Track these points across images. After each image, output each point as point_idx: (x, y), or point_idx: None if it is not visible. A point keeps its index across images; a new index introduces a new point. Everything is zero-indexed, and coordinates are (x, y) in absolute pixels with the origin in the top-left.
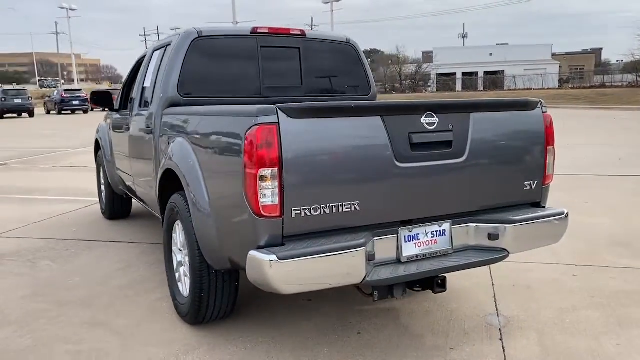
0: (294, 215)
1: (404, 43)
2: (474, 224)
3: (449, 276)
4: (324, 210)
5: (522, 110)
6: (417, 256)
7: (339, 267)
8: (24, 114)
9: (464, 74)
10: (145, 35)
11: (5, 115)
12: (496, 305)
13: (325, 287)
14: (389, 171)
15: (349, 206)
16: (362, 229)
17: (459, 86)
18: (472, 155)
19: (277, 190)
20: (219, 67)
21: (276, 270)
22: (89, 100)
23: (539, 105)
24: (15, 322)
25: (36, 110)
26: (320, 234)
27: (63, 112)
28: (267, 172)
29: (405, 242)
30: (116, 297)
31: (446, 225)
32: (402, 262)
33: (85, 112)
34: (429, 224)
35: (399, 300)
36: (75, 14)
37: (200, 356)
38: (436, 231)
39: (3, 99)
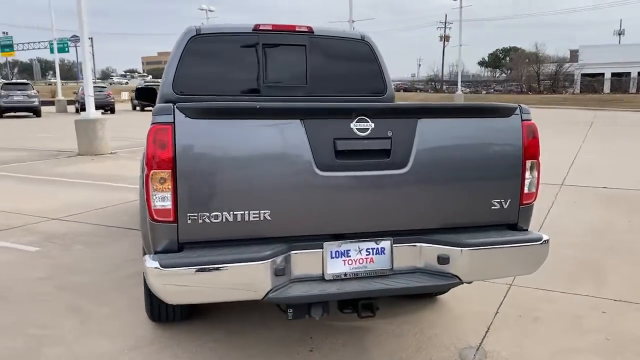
0: (189, 222)
1: (544, 41)
2: (423, 244)
3: (449, 297)
4: (227, 218)
5: (491, 117)
6: (345, 275)
7: (234, 280)
8: None
9: (613, 74)
10: None
11: (146, 108)
12: (483, 338)
13: (219, 300)
14: (308, 180)
15: (258, 215)
16: (277, 240)
17: (606, 87)
18: (417, 167)
19: (170, 194)
20: (217, 65)
21: (160, 279)
22: None
23: (518, 111)
24: (12, 302)
25: None
26: (226, 243)
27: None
28: (159, 174)
29: (332, 258)
30: (112, 286)
31: (385, 243)
32: (327, 280)
33: None
34: (364, 240)
35: (377, 319)
36: (214, 14)
37: (144, 353)
38: (373, 249)
39: None
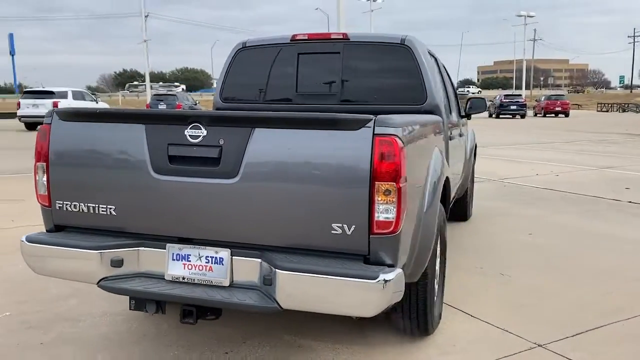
0: (57, 207)
1: None
2: (257, 260)
3: (449, 338)
4: (82, 209)
5: (333, 130)
6: (184, 278)
7: (69, 263)
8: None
9: None
10: (634, 36)
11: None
12: None
13: (65, 278)
14: (144, 181)
15: (105, 209)
16: (127, 235)
17: None
18: (247, 178)
19: (45, 183)
20: (256, 75)
21: (24, 250)
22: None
23: (371, 124)
24: None
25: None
26: (92, 231)
27: (501, 116)
28: (39, 165)
29: (173, 260)
30: None
31: (224, 254)
32: (166, 280)
33: (523, 116)
34: (205, 247)
35: (353, 345)
36: (533, 20)
37: (123, 319)
38: (212, 257)
39: None
